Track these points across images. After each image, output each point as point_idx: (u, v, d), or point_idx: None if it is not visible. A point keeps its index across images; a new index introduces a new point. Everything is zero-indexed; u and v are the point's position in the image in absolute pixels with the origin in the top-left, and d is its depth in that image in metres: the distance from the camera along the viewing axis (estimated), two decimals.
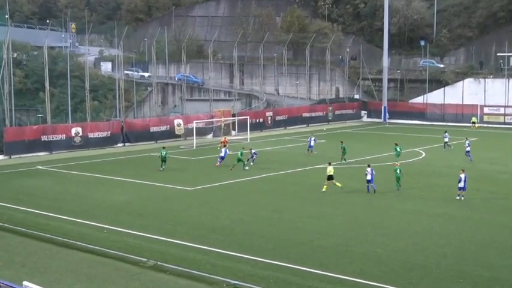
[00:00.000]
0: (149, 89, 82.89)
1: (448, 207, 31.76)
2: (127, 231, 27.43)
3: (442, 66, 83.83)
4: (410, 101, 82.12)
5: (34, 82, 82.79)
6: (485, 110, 76.10)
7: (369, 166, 35.69)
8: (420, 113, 79.60)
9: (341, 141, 47.38)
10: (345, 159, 45.97)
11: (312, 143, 51.01)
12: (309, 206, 32.10)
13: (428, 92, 79.76)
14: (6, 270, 22.15)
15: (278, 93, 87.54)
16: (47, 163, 47.60)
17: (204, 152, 52.68)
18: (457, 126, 72.33)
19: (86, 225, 28.65)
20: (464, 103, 77.22)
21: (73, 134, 54.45)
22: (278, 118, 72.95)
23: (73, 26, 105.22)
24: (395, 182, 35.85)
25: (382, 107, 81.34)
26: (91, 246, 25.14)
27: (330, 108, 79.96)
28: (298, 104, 79.40)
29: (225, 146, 47.63)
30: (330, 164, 36.40)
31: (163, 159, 43.27)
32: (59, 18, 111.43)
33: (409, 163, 45.53)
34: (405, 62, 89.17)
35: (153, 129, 60.25)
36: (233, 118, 65.96)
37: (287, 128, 72.98)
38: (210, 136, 64.04)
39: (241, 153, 43.52)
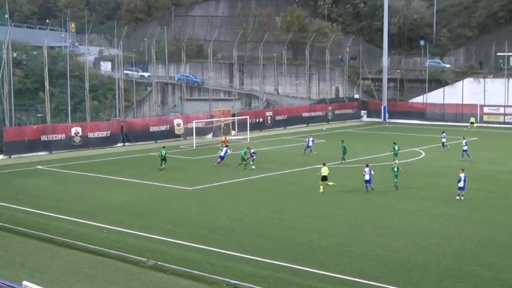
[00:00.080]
0: (149, 88, 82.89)
1: (448, 207, 31.77)
2: (127, 231, 27.43)
3: (448, 66, 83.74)
4: (410, 101, 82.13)
5: (34, 82, 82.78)
6: (485, 109, 76.12)
7: (367, 166, 35.72)
8: (420, 113, 79.61)
9: (342, 141, 47.39)
10: (344, 159, 45.99)
11: (310, 144, 51.02)
12: (309, 206, 32.11)
13: (428, 92, 79.75)
14: (6, 270, 22.15)
15: (278, 93, 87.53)
16: (47, 163, 47.60)
17: (203, 152, 52.68)
18: (456, 126, 72.38)
19: (86, 225, 28.65)
20: (464, 103, 77.22)
21: (73, 134, 54.45)
22: (278, 118, 72.94)
23: (73, 25, 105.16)
24: (394, 181, 35.99)
25: (382, 107, 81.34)
26: (91, 246, 25.15)
27: (330, 108, 79.98)
28: (298, 104, 79.39)
29: (227, 146, 47.62)
30: (324, 164, 36.38)
31: (163, 159, 43.32)
32: (59, 18, 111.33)
33: (409, 163, 45.55)
34: (405, 62, 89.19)
35: (152, 129, 60.25)
36: (233, 118, 65.97)
37: (287, 127, 72.99)
38: (209, 136, 64.05)
39: (245, 153, 43.60)
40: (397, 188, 35.89)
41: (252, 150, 45.28)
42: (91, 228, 28.03)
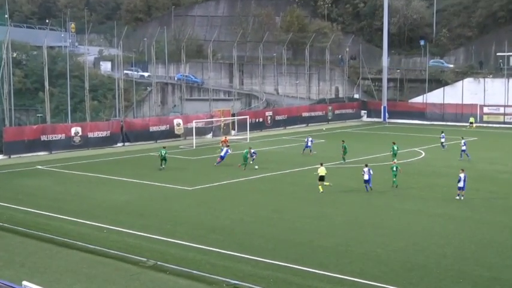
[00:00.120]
0: (149, 88, 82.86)
1: (448, 207, 31.77)
2: (127, 231, 27.42)
3: (451, 66, 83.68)
4: (410, 101, 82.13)
5: (34, 82, 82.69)
6: (485, 109, 76.14)
7: (366, 166, 35.72)
8: (420, 113, 79.62)
9: (342, 140, 47.40)
10: (344, 159, 45.98)
11: (309, 144, 51.00)
12: (309, 206, 32.11)
13: (428, 92, 79.76)
14: (6, 270, 22.14)
15: (278, 93, 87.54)
16: (47, 163, 47.60)
17: (203, 152, 52.67)
18: (456, 126, 72.39)
19: (86, 225, 28.64)
20: (464, 103, 77.25)
21: (73, 134, 54.45)
22: (278, 118, 72.96)
23: (72, 25, 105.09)
24: (393, 180, 35.99)
25: (382, 107, 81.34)
26: (91, 246, 25.14)
27: (330, 107, 79.98)
28: (298, 104, 79.40)
29: (227, 146, 47.60)
30: (321, 164, 36.36)
31: (163, 159, 43.34)
32: (59, 18, 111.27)
33: (409, 163, 45.55)
34: (405, 62, 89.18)
35: (152, 128, 60.26)
36: (233, 118, 65.98)
37: (287, 127, 72.99)
38: (209, 136, 64.05)
39: (247, 152, 43.64)
40: (396, 187, 35.95)
41: (252, 150, 45.32)
42: (91, 228, 28.03)
